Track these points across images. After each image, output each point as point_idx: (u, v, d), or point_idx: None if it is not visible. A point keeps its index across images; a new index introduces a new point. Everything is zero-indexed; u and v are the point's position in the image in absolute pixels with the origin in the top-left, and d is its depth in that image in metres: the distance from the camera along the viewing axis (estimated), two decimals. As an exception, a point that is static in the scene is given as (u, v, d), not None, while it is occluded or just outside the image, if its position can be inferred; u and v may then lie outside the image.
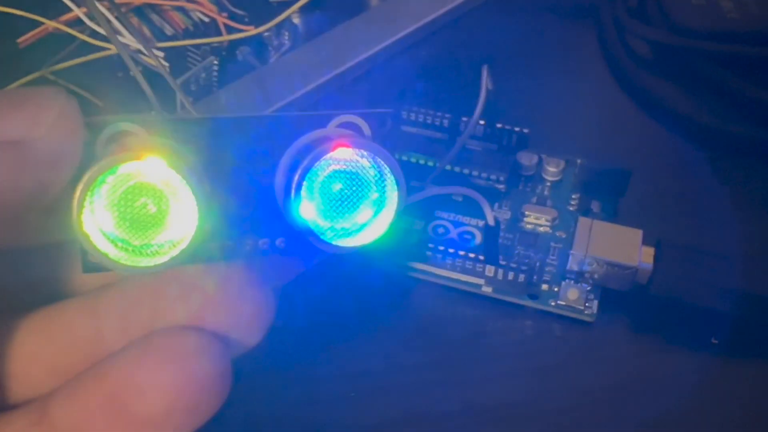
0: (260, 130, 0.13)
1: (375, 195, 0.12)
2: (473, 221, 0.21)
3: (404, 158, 0.22)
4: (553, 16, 0.29)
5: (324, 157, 0.12)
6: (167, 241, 0.12)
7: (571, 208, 0.21)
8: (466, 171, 0.21)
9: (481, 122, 0.22)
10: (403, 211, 0.13)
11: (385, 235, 0.13)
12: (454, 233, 0.21)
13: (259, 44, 0.28)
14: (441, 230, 0.21)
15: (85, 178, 0.11)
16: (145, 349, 0.12)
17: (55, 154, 0.11)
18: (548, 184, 0.22)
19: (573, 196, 0.22)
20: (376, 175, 0.12)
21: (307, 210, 0.12)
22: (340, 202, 0.12)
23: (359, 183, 0.12)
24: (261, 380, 0.17)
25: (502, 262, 0.19)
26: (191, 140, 0.12)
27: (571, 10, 0.29)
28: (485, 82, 0.18)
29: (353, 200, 0.12)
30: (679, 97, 0.26)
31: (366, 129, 0.13)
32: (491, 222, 0.18)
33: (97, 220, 0.11)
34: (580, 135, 0.24)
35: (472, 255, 0.19)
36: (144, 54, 0.25)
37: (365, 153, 0.12)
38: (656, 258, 0.19)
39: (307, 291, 0.18)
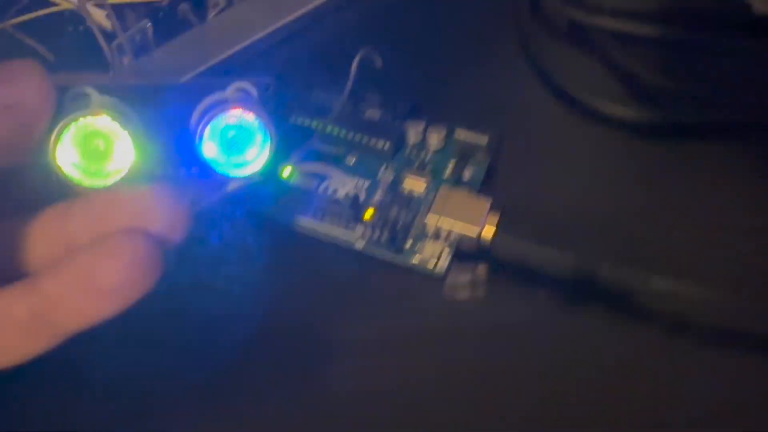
0: (179, 92, 0.17)
1: (259, 138, 0.17)
2: (360, 182, 0.24)
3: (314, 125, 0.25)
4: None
5: (222, 115, 0.17)
6: (114, 169, 0.17)
7: (445, 176, 0.24)
8: (357, 137, 0.25)
9: (378, 93, 0.25)
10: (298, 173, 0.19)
11: (265, 167, 0.17)
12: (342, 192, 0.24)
13: (198, 2, 0.30)
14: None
15: (58, 127, 0.16)
16: (104, 243, 0.16)
17: (38, 110, 0.16)
18: (431, 151, 0.25)
19: (450, 163, 0.25)
20: (259, 126, 0.17)
21: (210, 149, 0.17)
22: (233, 144, 0.17)
23: (246, 131, 0.17)
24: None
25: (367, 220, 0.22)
26: (129, 99, 0.17)
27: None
28: (355, 64, 0.21)
29: (242, 143, 0.17)
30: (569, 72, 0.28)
31: (254, 92, 0.17)
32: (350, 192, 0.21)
33: (66, 153, 0.16)
34: (475, 108, 0.27)
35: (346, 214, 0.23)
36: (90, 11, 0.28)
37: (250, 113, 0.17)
38: (498, 226, 0.22)
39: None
